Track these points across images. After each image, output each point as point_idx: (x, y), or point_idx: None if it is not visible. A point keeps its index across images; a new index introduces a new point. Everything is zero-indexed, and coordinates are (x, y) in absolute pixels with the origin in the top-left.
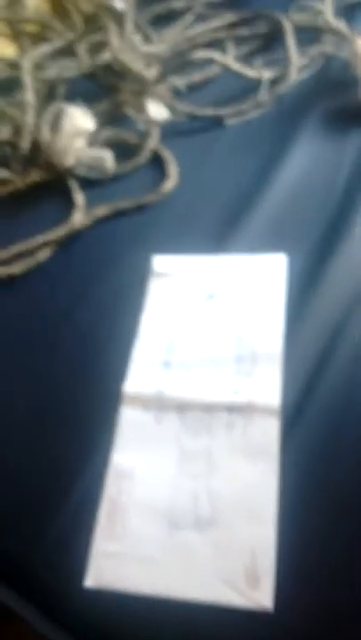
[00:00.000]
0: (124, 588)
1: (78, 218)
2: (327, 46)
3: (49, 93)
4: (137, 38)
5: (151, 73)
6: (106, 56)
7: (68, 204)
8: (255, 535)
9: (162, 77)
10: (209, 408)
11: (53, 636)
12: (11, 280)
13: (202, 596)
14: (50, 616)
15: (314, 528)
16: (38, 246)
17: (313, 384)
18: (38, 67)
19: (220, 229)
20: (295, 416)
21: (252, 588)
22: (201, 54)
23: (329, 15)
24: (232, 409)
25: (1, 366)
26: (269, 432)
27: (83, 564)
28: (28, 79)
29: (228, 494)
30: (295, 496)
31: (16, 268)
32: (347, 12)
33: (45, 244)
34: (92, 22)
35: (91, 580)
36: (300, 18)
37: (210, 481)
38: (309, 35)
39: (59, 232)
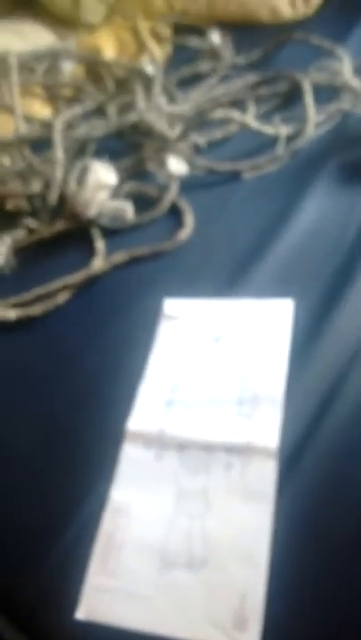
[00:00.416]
0: (115, 622)
1: (97, 264)
2: (344, 104)
3: (79, 150)
4: (162, 100)
5: (174, 131)
6: (132, 116)
7: (90, 252)
8: (246, 578)
9: (184, 135)
10: (208, 447)
11: None
12: (30, 321)
13: (190, 636)
14: None
15: (305, 573)
16: (58, 289)
17: (313, 429)
18: (69, 126)
19: (230, 275)
20: (293, 459)
21: (240, 630)
22: (220, 113)
23: (347, 74)
24: (231, 449)
25: (11, 400)
26: (266, 474)
27: (76, 596)
28: (58, 138)
29: (221, 535)
30: (288, 540)
31: (36, 310)
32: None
33: (65, 288)
34: (123, 85)
35: (82, 613)
36: (320, 77)
37: (205, 521)
38: (328, 93)
39: (78, 276)
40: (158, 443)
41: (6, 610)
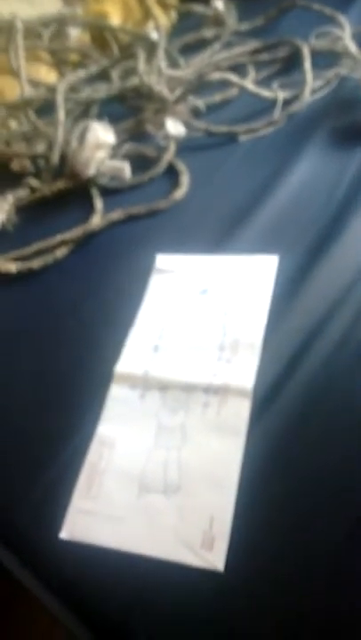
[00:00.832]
0: (94, 541)
1: (95, 221)
2: (343, 69)
3: (83, 113)
4: (164, 64)
5: (173, 94)
6: (134, 80)
7: (89, 210)
8: (215, 503)
9: (182, 98)
10: (188, 388)
11: (29, 584)
12: (30, 274)
13: (161, 554)
14: (28, 564)
15: (269, 501)
16: (57, 244)
17: (287, 374)
18: (73, 90)
19: (221, 233)
20: (267, 400)
21: (207, 549)
22: (217, 76)
23: (347, 40)
24: (209, 390)
25: (12, 347)
26: (240, 412)
27: (61, 519)
28: (60, 100)
29: (195, 465)
30: (256, 471)
31: (35, 264)
32: None
33: (63, 243)
34: (128, 51)
35: (65, 533)
36: (320, 43)
37: (180, 452)
38: (328, 59)
39: (76, 232)
40: (143, 384)
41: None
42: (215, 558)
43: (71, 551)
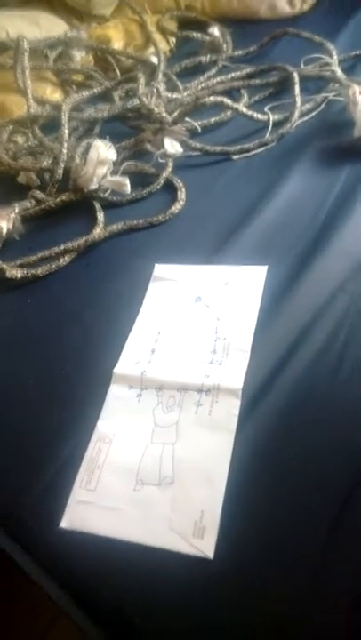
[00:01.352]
0: (92, 530)
1: (97, 232)
2: (330, 93)
3: (86, 131)
4: (163, 87)
5: (171, 116)
6: (135, 101)
7: (91, 222)
8: (206, 495)
9: (180, 119)
10: (182, 388)
11: (30, 571)
12: (34, 280)
13: (155, 542)
14: (30, 552)
15: (257, 494)
16: (61, 253)
17: (276, 375)
18: (77, 109)
19: (215, 244)
20: (255, 399)
21: (198, 538)
22: (212, 99)
23: (334, 66)
24: (201, 390)
25: (17, 349)
26: (231, 410)
27: (62, 510)
28: (65, 118)
29: (188, 460)
30: (245, 466)
31: (39, 271)
32: (351, 63)
33: (67, 252)
34: (129, 74)
35: (65, 522)
36: (309, 69)
37: (174, 448)
38: (317, 83)
39: (79, 242)
40: (140, 384)
41: (3, 523)
42: (206, 547)
43: (71, 540)
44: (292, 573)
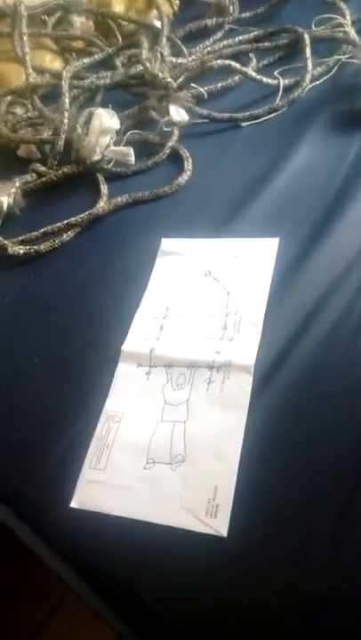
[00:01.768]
0: (103, 510)
1: (101, 205)
2: (343, 55)
3: (88, 100)
4: (167, 52)
5: (176, 82)
6: (138, 67)
7: (95, 194)
8: (219, 473)
9: (185, 85)
10: (193, 365)
11: (40, 552)
12: (37, 257)
13: (168, 521)
14: (39, 532)
15: (270, 471)
16: (64, 228)
17: (289, 350)
18: (77, 77)
19: (224, 216)
20: (268, 375)
21: (211, 517)
22: (219, 62)
23: (348, 27)
24: (212, 367)
25: (21, 327)
26: (243, 387)
27: (71, 490)
28: (65, 87)
29: (199, 437)
30: (258, 442)
31: (42, 247)
32: None
33: (70, 227)
34: (131, 39)
35: (76, 502)
36: (321, 30)
37: (185, 425)
38: (329, 45)
39: (82, 217)
40: (149, 361)
41: (12, 503)
42: (219, 525)
43: (81, 520)
44: (305, 550)
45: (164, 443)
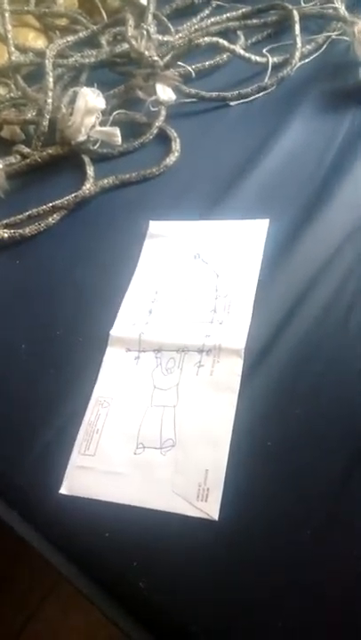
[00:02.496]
0: (93, 495)
1: (87, 187)
2: (333, 32)
3: (73, 79)
4: (153, 29)
5: (162, 60)
6: (123, 45)
7: (81, 176)
8: (210, 457)
9: (172, 63)
10: (182, 349)
11: (31, 539)
12: (22, 241)
13: (159, 506)
14: (28, 519)
15: (261, 454)
16: (49, 211)
17: (280, 332)
18: (62, 55)
19: (213, 198)
20: (258, 358)
21: (202, 500)
22: (207, 39)
23: (337, 3)
24: (202, 350)
25: (6, 312)
26: (233, 370)
27: (60, 476)
28: (49, 66)
29: (189, 421)
30: (248, 426)
31: (27, 230)
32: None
33: (55, 209)
34: (116, 16)
35: (65, 489)
36: (310, 7)
37: (175, 410)
38: (318, 22)
39: (68, 199)
40: (138, 346)
41: (0, 491)
42: (210, 509)
43: (71, 506)
44: (296, 532)
45: (154, 427)
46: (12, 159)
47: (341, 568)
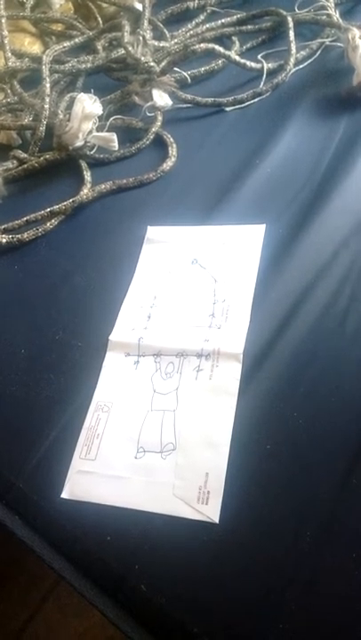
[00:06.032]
0: (94, 500)
1: (84, 192)
2: (327, 38)
3: (69, 84)
4: (149, 35)
5: (158, 65)
6: (120, 50)
7: (78, 181)
8: (210, 460)
9: (168, 69)
10: (181, 354)
11: (32, 544)
12: (20, 245)
13: (160, 510)
14: (29, 524)
15: (261, 457)
16: (47, 216)
17: (278, 336)
18: (58, 61)
19: (210, 203)
20: (258, 362)
21: (203, 503)
22: (202, 46)
23: (331, 10)
24: (201, 355)
25: (5, 318)
26: (232, 374)
27: (61, 481)
28: (45, 71)
29: (189, 425)
30: (248, 429)
31: (25, 235)
32: (349, 6)
33: (53, 214)
34: (112, 22)
35: (66, 493)
36: (304, 13)
37: (175, 414)
38: (313, 28)
39: (66, 204)
40: (137, 351)
41: (1, 495)
42: (211, 511)
43: (72, 510)
44: (296, 535)
45: (155, 432)
46: (9, 164)
47: (341, 569)
